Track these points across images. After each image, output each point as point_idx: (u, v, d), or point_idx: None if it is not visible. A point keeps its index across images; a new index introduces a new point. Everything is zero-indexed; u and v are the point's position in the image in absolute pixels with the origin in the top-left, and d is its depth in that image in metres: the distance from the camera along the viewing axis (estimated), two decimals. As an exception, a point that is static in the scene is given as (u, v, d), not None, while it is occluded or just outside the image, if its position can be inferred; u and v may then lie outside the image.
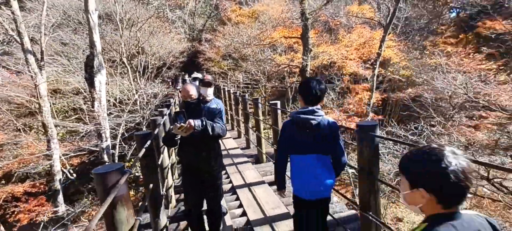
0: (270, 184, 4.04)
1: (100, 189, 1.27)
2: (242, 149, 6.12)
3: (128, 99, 9.96)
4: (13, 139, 8.04)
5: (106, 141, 6.49)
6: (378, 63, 12.57)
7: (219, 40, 17.78)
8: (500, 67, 14.33)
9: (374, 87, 12.85)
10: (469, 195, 0.82)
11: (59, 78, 11.27)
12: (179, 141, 2.39)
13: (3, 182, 8.76)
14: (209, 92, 2.62)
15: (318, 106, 1.87)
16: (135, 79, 12.44)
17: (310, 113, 1.83)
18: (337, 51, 14.80)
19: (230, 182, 4.29)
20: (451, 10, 21.76)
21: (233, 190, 4.01)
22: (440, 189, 0.82)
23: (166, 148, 3.39)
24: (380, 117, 14.31)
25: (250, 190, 3.89)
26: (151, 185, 2.24)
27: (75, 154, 8.75)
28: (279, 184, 2.12)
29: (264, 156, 5.10)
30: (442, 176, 0.80)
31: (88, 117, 7.67)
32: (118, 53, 12.46)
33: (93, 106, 6.47)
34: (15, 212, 7.62)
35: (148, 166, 2.33)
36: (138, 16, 14.82)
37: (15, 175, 8.30)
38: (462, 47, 17.39)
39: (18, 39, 7.47)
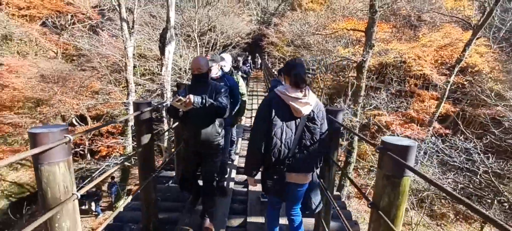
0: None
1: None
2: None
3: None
4: (106, 88, 10.40)
5: (165, 100, 7.85)
6: (456, 70, 10.91)
7: (285, 26, 18.01)
8: None
9: (445, 95, 11.28)
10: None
11: (143, 45, 13.63)
12: (182, 114, 2.35)
13: (95, 121, 11.48)
14: (213, 70, 2.77)
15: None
16: (202, 54, 13.95)
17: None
18: (410, 50, 13.34)
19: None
20: None
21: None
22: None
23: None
24: (447, 131, 12.52)
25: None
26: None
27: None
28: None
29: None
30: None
31: (157, 79, 9.28)
32: (191, 29, 14.10)
33: (161, 70, 7.88)
34: (98, 145, 10.01)
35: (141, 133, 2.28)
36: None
37: (103, 116, 10.74)
38: None
39: (118, 9, 9.43)
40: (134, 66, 12.08)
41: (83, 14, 14.79)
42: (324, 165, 2.24)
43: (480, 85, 12.42)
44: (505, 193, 6.83)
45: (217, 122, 2.42)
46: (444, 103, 12.20)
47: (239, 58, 13.42)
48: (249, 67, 12.02)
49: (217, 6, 16.04)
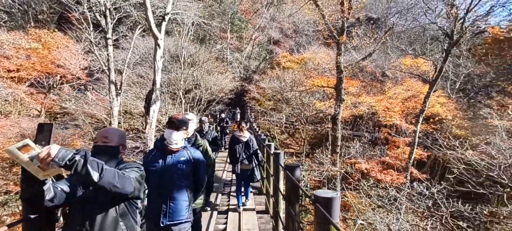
0: (258, 212, 4.66)
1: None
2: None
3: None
4: (88, 146, 10.44)
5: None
6: (420, 119, 12.01)
7: (265, 82, 19.43)
8: None
9: (416, 143, 12.14)
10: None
11: (130, 103, 14.14)
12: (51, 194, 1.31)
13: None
14: (175, 137, 2.06)
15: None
16: (187, 110, 14.56)
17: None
18: (378, 103, 14.64)
19: (228, 205, 5.04)
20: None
21: (226, 212, 4.73)
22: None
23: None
24: (425, 175, 13.11)
25: (239, 214, 4.58)
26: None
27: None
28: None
29: (265, 190, 5.71)
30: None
31: (143, 136, 9.55)
32: (177, 87, 14.95)
33: (145, 128, 8.23)
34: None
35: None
36: (200, 58, 17.69)
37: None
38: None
39: (107, 73, 10.11)
40: (119, 123, 12.36)
41: (73, 75, 15.45)
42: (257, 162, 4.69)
43: (445, 132, 13.54)
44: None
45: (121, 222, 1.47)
46: (417, 149, 13.04)
47: (222, 115, 14.16)
48: (227, 119, 12.78)
49: (202, 66, 17.30)
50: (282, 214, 3.46)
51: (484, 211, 8.88)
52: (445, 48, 10.88)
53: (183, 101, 14.82)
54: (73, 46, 14.56)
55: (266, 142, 5.75)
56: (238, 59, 27.22)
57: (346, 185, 13.52)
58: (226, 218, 4.42)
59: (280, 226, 3.14)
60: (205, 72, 17.76)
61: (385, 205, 9.37)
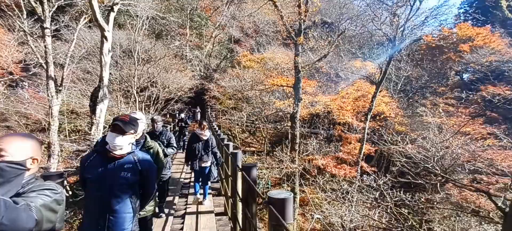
0: (217, 214, 4.54)
1: None
2: (212, 181, 6.65)
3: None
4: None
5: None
6: (369, 117, 13.08)
7: (226, 81, 19.23)
8: (505, 132, 14.36)
9: (365, 139, 13.19)
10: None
11: (75, 101, 12.69)
12: None
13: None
14: (119, 142, 1.79)
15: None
16: (142, 109, 13.64)
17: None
18: (333, 102, 15.56)
19: (185, 208, 4.81)
20: (457, 73, 22.38)
21: (183, 216, 4.51)
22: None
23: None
24: (373, 169, 14.35)
25: (197, 217, 4.40)
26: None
27: (73, 171, 9.58)
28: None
29: (224, 191, 5.60)
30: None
31: (86, 139, 8.63)
32: (130, 85, 13.91)
33: (90, 130, 7.44)
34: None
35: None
36: (156, 55, 16.69)
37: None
38: (464, 108, 17.65)
39: (45, 67, 8.88)
40: (61, 124, 10.99)
41: (3, 69, 13.28)
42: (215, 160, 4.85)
43: (389, 129, 15.01)
44: (413, 223, 8.03)
45: None
46: (366, 144, 14.20)
47: (181, 115, 13.58)
48: (186, 119, 12.30)
49: (158, 63, 16.38)
50: (240, 216, 3.41)
51: (422, 199, 10.06)
52: (389, 52, 12.02)
53: (138, 99, 13.84)
54: (4, 35, 12.56)
55: (225, 141, 5.65)
56: (198, 57, 26.44)
57: (304, 181, 14.14)
58: (183, 223, 4.22)
59: (238, 228, 3.08)
60: (162, 70, 16.84)
61: (339, 198, 9.99)
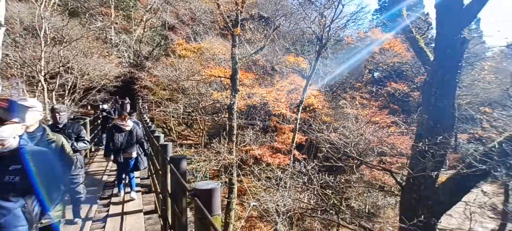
0: (146, 213, 4.20)
1: None
2: (142, 179, 6.13)
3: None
4: None
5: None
6: (300, 108, 14.14)
7: (159, 70, 17.86)
8: (404, 120, 17.48)
9: (297, 129, 14.24)
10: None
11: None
12: None
13: None
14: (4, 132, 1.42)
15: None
16: (51, 99, 11.50)
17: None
18: (269, 94, 16.21)
19: (107, 210, 4.29)
20: (370, 71, 26.15)
21: (105, 219, 4.01)
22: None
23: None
24: (304, 156, 15.65)
25: (122, 218, 3.97)
26: None
27: None
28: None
29: (154, 187, 5.23)
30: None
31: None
32: (36, 70, 11.52)
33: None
34: None
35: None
36: (69, 35, 14.16)
37: None
38: (374, 102, 20.77)
39: None
40: None
41: None
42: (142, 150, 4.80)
43: (317, 119, 16.57)
44: (335, 201, 9.16)
45: None
46: (298, 134, 15.37)
47: (104, 106, 11.98)
48: (110, 110, 10.92)
49: (74, 45, 14.02)
50: (169, 212, 3.22)
51: (342, 180, 11.49)
52: (317, 49, 13.15)
53: (46, 88, 11.57)
54: None
55: (156, 134, 5.24)
56: (127, 42, 23.70)
57: (242, 171, 14.46)
58: (103, 227, 3.75)
59: (168, 225, 2.90)
60: (79, 53, 14.44)
61: (274, 186, 10.59)
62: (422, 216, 5.03)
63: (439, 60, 5.76)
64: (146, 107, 19.05)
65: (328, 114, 17.82)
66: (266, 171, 14.07)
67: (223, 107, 16.49)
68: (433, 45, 7.53)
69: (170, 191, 2.75)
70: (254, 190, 13.96)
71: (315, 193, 9.31)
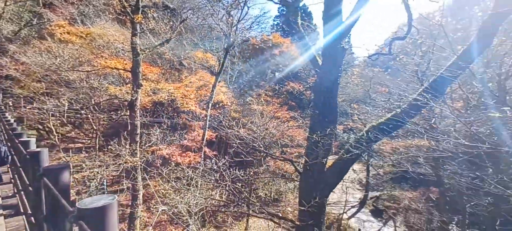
0: None
1: None
2: (3, 198, 4.66)
3: None
4: None
5: None
6: (210, 105, 14.07)
7: (30, 56, 13.93)
8: (300, 115, 19.96)
9: (207, 125, 14.13)
10: None
11: None
12: None
13: None
14: None
15: None
16: None
17: None
18: (177, 90, 15.36)
19: None
20: (272, 71, 28.67)
21: None
22: None
23: None
24: (214, 153, 15.69)
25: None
26: None
27: None
28: None
29: (23, 208, 4.07)
30: None
31: None
32: None
33: None
34: None
35: None
36: None
37: None
38: (276, 99, 22.93)
39: None
40: None
41: None
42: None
43: (227, 115, 16.93)
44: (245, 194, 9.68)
45: None
46: (208, 131, 15.26)
47: None
48: None
49: None
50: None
51: (251, 172, 12.21)
52: (225, 47, 13.40)
53: None
54: None
55: (25, 138, 4.06)
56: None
57: (148, 174, 13.17)
58: None
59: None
60: None
61: (184, 186, 10.15)
62: (317, 198, 5.95)
63: (326, 65, 6.90)
64: (10, 104, 14.63)
65: (236, 111, 18.48)
66: (175, 172, 13.32)
67: (123, 104, 14.52)
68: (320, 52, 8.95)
69: (45, 213, 2.17)
70: (162, 193, 12.99)
71: (227, 188, 9.52)
